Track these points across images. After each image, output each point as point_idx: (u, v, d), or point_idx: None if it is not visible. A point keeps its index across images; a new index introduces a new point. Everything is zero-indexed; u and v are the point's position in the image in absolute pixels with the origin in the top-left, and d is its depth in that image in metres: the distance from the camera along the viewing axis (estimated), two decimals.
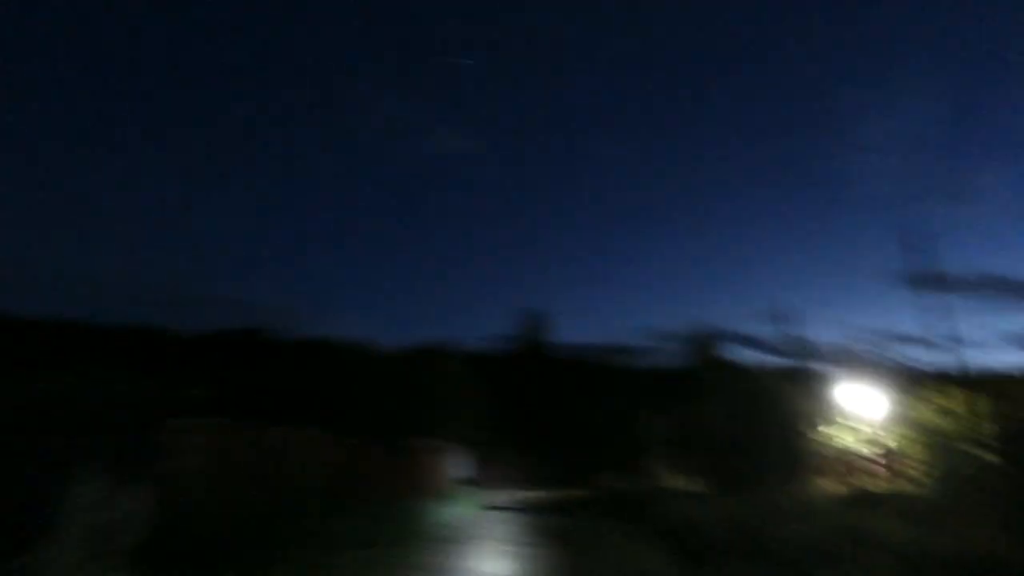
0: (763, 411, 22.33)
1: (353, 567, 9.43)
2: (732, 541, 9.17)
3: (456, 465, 33.35)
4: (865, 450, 22.58)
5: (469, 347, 51.77)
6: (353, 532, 12.00)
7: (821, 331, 53.38)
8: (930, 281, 18.03)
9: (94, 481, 6.17)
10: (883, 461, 21.76)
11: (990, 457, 18.36)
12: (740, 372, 31.51)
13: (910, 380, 27.98)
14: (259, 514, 10.87)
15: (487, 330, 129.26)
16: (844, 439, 23.04)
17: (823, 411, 23.45)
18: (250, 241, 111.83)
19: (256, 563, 7.93)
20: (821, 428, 22.86)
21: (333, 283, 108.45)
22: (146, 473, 6.63)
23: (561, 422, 45.42)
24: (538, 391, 47.27)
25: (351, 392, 28.64)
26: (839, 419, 23.23)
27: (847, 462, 23.11)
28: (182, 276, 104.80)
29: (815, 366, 27.08)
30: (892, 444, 21.97)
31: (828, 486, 20.44)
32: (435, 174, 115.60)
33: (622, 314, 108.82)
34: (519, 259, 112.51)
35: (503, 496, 29.32)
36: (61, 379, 8.64)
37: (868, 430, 21.89)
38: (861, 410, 22.30)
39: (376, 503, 16.08)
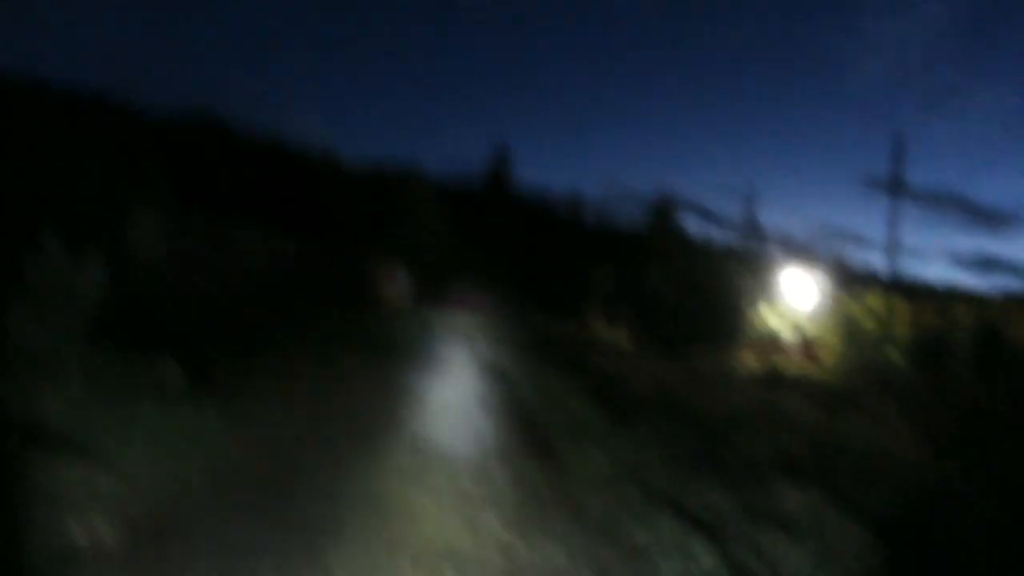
0: (703, 282, 23.14)
1: (296, 372, 9.89)
2: (657, 401, 9.86)
3: (407, 287, 34.11)
4: (790, 334, 24.02)
5: (433, 173, 51.06)
6: (302, 338, 12.44)
7: (775, 215, 54.42)
8: (891, 186, 18.38)
9: (54, 253, 6.16)
10: (804, 347, 23.27)
11: (899, 358, 19.83)
12: (689, 241, 32.21)
13: (845, 276, 29.27)
14: (213, 309, 11.08)
15: (452, 159, 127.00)
16: (773, 321, 24.36)
17: (759, 291, 24.55)
18: (228, 25, 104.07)
19: (206, 354, 8.22)
20: (754, 307, 24.04)
21: (303, 86, 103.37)
22: (104, 251, 6.62)
23: (512, 260, 46.30)
24: (494, 226, 47.59)
25: (314, 200, 28.30)
26: (772, 302, 24.43)
27: (772, 342, 24.62)
28: (156, 48, 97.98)
29: (761, 248, 27.97)
30: (816, 332, 23.41)
31: (751, 361, 21.86)
32: None
33: (588, 166, 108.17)
34: (493, 93, 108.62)
35: (449, 323, 30.37)
36: (23, 149, 8.28)
37: (796, 316, 23.18)
38: (794, 296, 23.47)
39: (327, 312, 16.54)
